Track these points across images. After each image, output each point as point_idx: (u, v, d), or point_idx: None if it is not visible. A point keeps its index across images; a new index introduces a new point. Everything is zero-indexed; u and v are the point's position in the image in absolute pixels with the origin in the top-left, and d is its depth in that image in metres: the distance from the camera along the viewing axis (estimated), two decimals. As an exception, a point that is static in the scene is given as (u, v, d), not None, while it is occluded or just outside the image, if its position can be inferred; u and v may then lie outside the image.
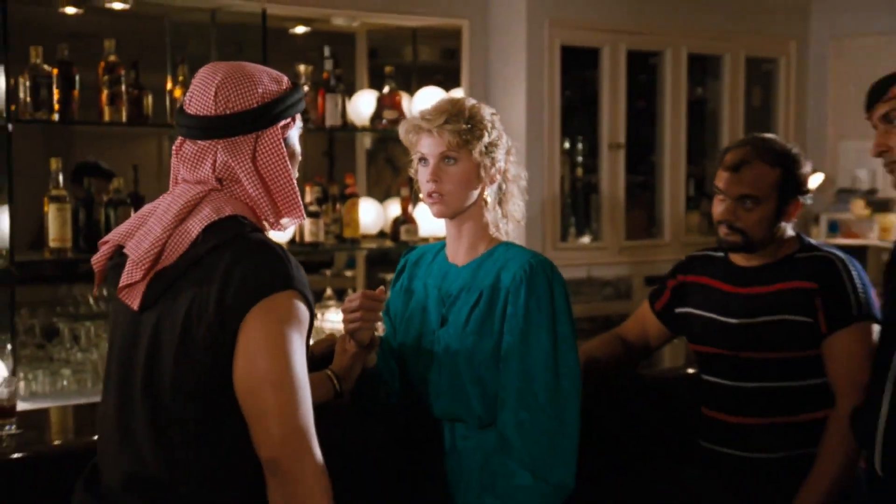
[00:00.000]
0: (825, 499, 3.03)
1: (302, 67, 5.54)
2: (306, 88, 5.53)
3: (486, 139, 2.71)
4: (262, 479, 2.24)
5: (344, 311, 2.71)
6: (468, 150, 2.69)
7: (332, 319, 5.52)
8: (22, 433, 2.72)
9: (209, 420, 2.25)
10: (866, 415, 2.75)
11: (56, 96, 4.70)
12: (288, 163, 2.37)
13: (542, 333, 2.66)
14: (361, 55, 6.57)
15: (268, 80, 2.37)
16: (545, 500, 2.64)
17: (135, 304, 2.28)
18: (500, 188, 2.79)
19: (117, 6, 5.33)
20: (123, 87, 4.90)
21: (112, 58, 4.87)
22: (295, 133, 2.42)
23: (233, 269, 2.23)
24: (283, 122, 2.37)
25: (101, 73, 4.86)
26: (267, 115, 2.33)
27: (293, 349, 2.23)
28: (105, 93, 4.88)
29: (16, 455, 2.64)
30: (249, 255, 2.25)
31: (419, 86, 6.14)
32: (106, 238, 2.40)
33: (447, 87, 6.19)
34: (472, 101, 2.77)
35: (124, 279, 2.29)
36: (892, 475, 2.69)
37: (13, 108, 4.63)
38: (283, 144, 2.37)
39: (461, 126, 2.69)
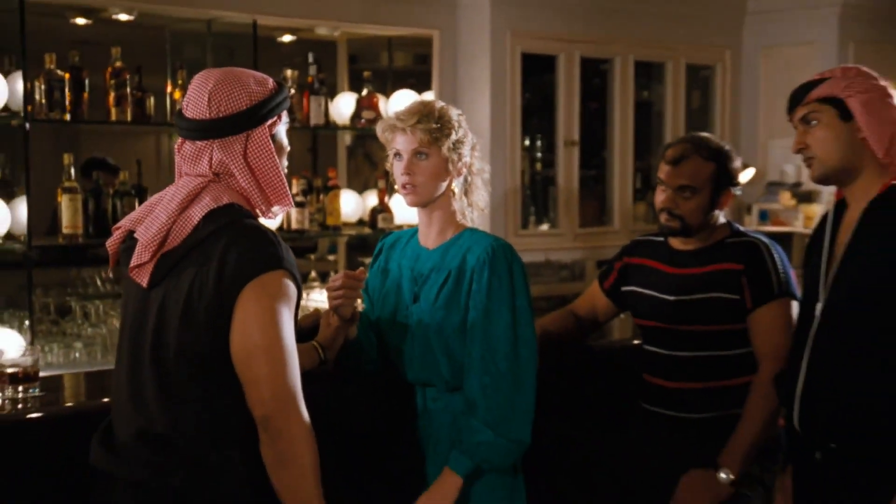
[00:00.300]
0: (748, 449, 3.04)
1: (288, 72, 5.51)
2: (292, 91, 5.47)
3: (453, 137, 2.71)
4: (255, 436, 2.26)
5: (328, 290, 2.71)
6: (438, 147, 2.70)
7: (317, 298, 5.49)
8: (44, 395, 2.72)
9: (208, 383, 2.27)
10: (787, 379, 2.75)
11: (68, 98, 4.67)
12: (275, 157, 2.38)
13: (503, 308, 2.66)
14: (342, 61, 6.54)
15: (255, 83, 2.37)
16: (505, 453, 2.66)
17: (144, 282, 2.30)
18: (465, 180, 2.79)
19: (123, 17, 5.30)
20: (128, 90, 4.88)
21: (118, 63, 4.86)
22: (282, 129, 2.43)
23: (229, 250, 2.25)
24: (270, 121, 2.37)
25: (108, 77, 4.85)
26: (255, 116, 2.34)
27: (282, 321, 2.25)
28: (112, 95, 4.86)
29: (38, 414, 2.64)
30: (244, 238, 2.27)
31: (394, 89, 6.10)
32: (119, 224, 2.41)
33: (419, 90, 6.15)
34: (441, 104, 2.77)
35: (134, 260, 2.31)
36: (807, 430, 2.69)
37: (30, 108, 4.60)
38: (270, 141, 2.37)
39: (431, 125, 2.69)
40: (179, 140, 2.39)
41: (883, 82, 2.68)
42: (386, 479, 2.84)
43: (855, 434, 2.62)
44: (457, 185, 2.77)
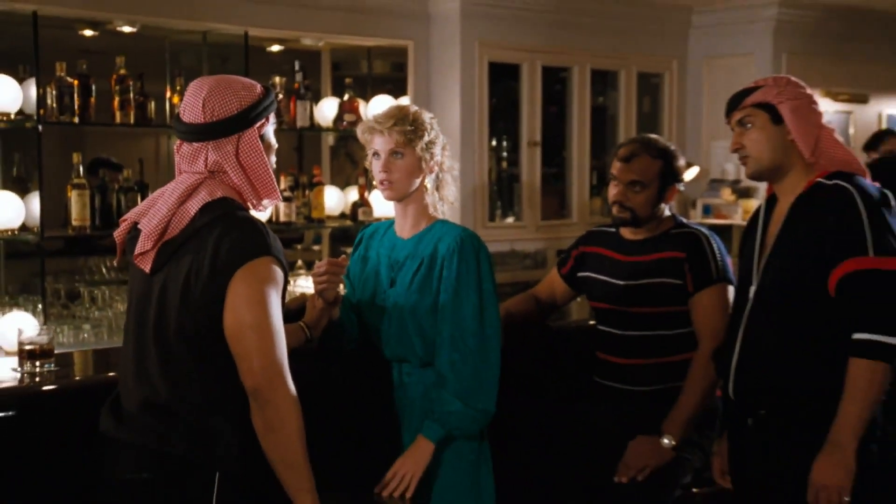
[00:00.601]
0: (688, 418, 3.08)
1: (277, 79, 5.49)
2: (280, 96, 5.44)
3: (426, 138, 2.72)
4: (246, 405, 2.28)
5: (313, 275, 2.72)
6: (412, 147, 2.70)
7: (303, 284, 5.49)
8: (58, 370, 2.74)
9: (204, 358, 2.29)
10: (724, 354, 2.79)
11: (77, 103, 4.67)
12: (265, 156, 2.38)
13: (471, 292, 2.67)
14: (326, 69, 6.51)
15: (244, 89, 2.37)
16: (472, 422, 2.68)
17: (147, 268, 2.32)
18: (437, 177, 2.79)
19: (126, 29, 5.29)
20: (131, 95, 4.87)
21: (122, 71, 4.84)
22: (270, 129, 2.43)
23: (223, 239, 2.26)
24: (259, 123, 2.37)
25: (113, 83, 4.83)
26: (245, 119, 2.35)
27: (270, 302, 2.26)
28: (116, 99, 4.84)
29: (53, 386, 2.66)
30: (236, 228, 2.29)
31: (373, 94, 6.08)
32: (125, 216, 2.42)
33: (396, 95, 6.12)
34: (415, 108, 2.78)
35: (138, 248, 2.32)
36: (740, 398, 2.73)
37: (42, 112, 4.60)
38: (259, 142, 2.37)
39: (406, 128, 2.70)
40: (178, 142, 2.40)
41: (809, 91, 2.72)
42: (366, 445, 2.85)
43: (782, 402, 2.66)
44: (429, 182, 2.77)
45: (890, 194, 2.65)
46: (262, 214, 5.08)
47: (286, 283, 2.37)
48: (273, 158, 2.45)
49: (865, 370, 2.50)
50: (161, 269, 2.32)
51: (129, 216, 2.41)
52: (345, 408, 2.91)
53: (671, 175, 3.23)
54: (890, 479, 2.66)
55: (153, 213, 2.34)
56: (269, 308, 2.26)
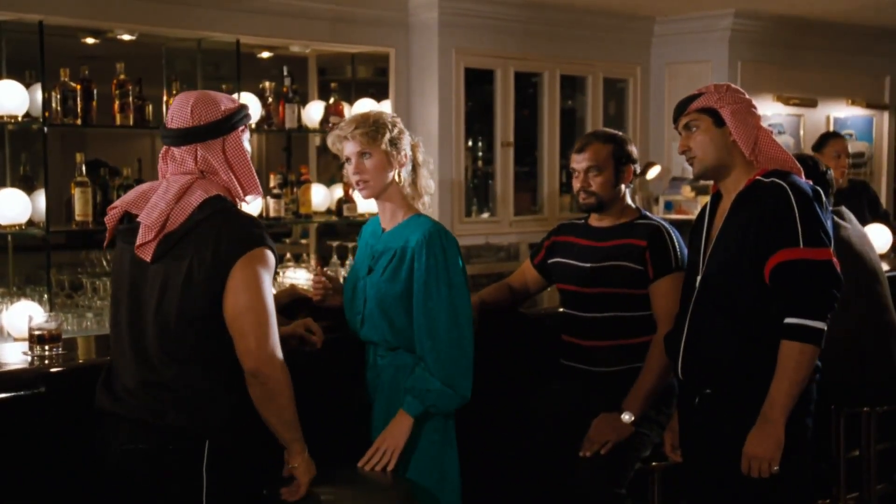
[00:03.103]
0: (647, 396, 3.12)
1: (266, 83, 5.53)
2: (269, 100, 5.49)
3: (388, 135, 2.75)
4: (238, 383, 2.38)
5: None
6: (377, 145, 2.74)
7: (290, 276, 5.52)
8: (65, 353, 2.78)
9: (203, 339, 2.38)
10: (673, 337, 2.83)
11: (80, 106, 4.70)
12: (247, 155, 2.50)
13: (441, 284, 2.70)
14: (312, 74, 6.52)
15: (226, 100, 2.49)
16: (450, 401, 2.72)
17: (148, 258, 2.39)
18: (413, 171, 2.84)
19: (126, 37, 5.31)
20: (130, 99, 4.91)
21: (122, 76, 4.88)
22: (246, 136, 2.52)
23: (223, 231, 2.37)
24: (241, 128, 2.48)
25: (113, 87, 4.87)
26: (229, 122, 2.45)
27: (265, 287, 2.39)
28: (116, 103, 4.89)
29: (60, 368, 2.70)
30: (234, 221, 2.41)
31: (357, 97, 6.13)
32: (114, 204, 2.51)
33: (379, 99, 6.17)
34: (375, 111, 2.83)
35: (140, 240, 2.39)
36: (687, 378, 2.78)
37: (47, 114, 4.64)
38: (243, 142, 2.49)
39: (368, 129, 2.74)
40: (164, 148, 2.49)
41: (748, 96, 2.78)
42: (338, 422, 2.89)
43: (724, 381, 2.71)
44: (404, 177, 2.81)
45: (821, 191, 2.71)
46: (251, 210, 5.09)
47: (276, 268, 2.50)
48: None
49: (794, 351, 2.56)
50: (161, 259, 2.39)
51: (119, 204, 2.49)
52: (325, 384, 2.94)
53: (624, 156, 3.29)
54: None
55: (151, 207, 2.41)
56: (265, 292, 2.37)
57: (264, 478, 2.52)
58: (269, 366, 2.37)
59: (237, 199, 2.49)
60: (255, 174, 2.51)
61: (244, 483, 2.47)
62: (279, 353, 2.40)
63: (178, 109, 2.46)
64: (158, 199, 2.41)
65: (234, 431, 2.41)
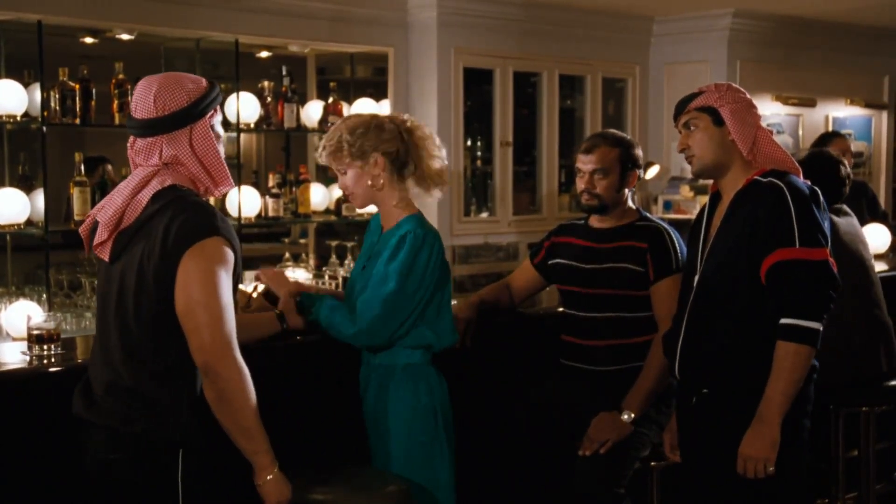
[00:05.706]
0: (646, 395, 3.12)
1: (265, 83, 5.51)
2: (268, 99, 5.49)
3: (348, 149, 2.74)
4: (199, 382, 2.28)
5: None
6: (345, 162, 2.76)
7: (291, 275, 5.49)
8: (63, 353, 2.77)
9: (160, 339, 2.27)
10: (671, 337, 2.83)
11: (78, 105, 4.68)
12: (216, 145, 2.36)
13: (393, 276, 2.70)
14: (311, 73, 6.51)
15: (191, 83, 2.34)
16: (342, 321, 2.74)
17: (106, 257, 2.32)
18: (398, 170, 2.81)
19: (125, 37, 5.30)
20: (129, 98, 4.80)
21: (120, 76, 4.86)
22: (217, 120, 2.38)
23: (171, 222, 2.24)
24: (209, 114, 2.34)
25: (112, 87, 4.85)
26: (195, 110, 2.31)
27: (219, 280, 2.23)
28: (115, 102, 4.85)
29: (58, 368, 2.69)
30: (183, 211, 2.26)
31: (356, 97, 6.11)
32: (91, 212, 2.40)
33: (377, 99, 6.16)
34: (340, 122, 2.80)
35: (96, 239, 2.33)
36: (685, 378, 2.79)
37: (46, 114, 4.62)
38: (211, 132, 2.34)
39: (333, 150, 2.76)
40: (132, 139, 2.36)
41: (748, 96, 2.78)
42: (335, 419, 2.91)
43: (721, 381, 2.71)
44: (380, 180, 2.78)
45: (819, 191, 2.72)
46: (250, 210, 4.98)
47: (238, 262, 2.33)
48: (222, 148, 2.41)
49: (790, 352, 2.56)
50: (119, 257, 2.31)
51: (93, 212, 2.39)
52: (315, 384, 2.95)
53: (630, 161, 3.29)
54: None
55: (108, 205, 2.32)
56: (218, 285, 2.23)
57: (245, 486, 2.41)
58: (221, 362, 2.21)
59: (207, 193, 2.39)
60: (225, 165, 2.38)
61: (223, 492, 2.38)
62: (235, 351, 2.24)
63: (141, 97, 2.32)
64: (117, 195, 2.32)
65: (208, 439, 2.31)
